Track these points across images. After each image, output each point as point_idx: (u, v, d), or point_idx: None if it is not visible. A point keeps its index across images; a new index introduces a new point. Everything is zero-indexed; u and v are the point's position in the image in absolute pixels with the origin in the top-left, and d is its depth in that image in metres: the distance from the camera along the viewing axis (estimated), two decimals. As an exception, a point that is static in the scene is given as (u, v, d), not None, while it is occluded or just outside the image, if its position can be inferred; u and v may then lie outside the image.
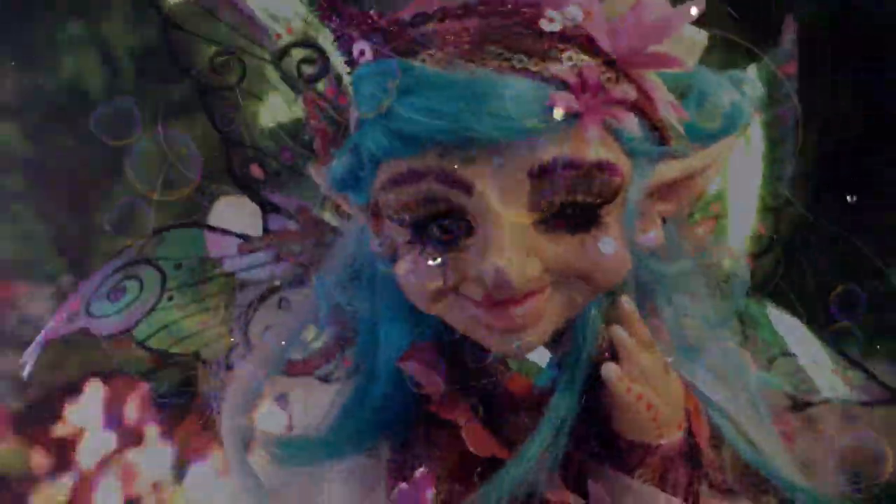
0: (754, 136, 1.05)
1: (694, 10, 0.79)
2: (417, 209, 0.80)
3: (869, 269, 1.05)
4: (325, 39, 0.98)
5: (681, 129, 0.85)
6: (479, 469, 0.88)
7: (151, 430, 1.36)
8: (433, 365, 0.87)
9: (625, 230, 0.81)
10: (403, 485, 0.87)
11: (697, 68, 0.91)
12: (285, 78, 0.97)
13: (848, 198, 1.02)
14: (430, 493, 0.88)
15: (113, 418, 1.36)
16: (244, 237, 1.01)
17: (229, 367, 0.97)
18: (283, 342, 0.94)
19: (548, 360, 0.87)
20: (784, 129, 1.06)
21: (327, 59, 0.97)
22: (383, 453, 0.88)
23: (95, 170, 1.35)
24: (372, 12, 0.83)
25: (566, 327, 0.86)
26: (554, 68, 0.78)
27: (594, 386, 0.86)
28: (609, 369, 0.81)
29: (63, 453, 1.36)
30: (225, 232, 1.01)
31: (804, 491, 0.86)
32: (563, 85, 0.77)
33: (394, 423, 0.91)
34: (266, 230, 1.01)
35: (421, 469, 0.86)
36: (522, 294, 0.79)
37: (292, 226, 0.99)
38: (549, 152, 0.77)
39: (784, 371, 1.05)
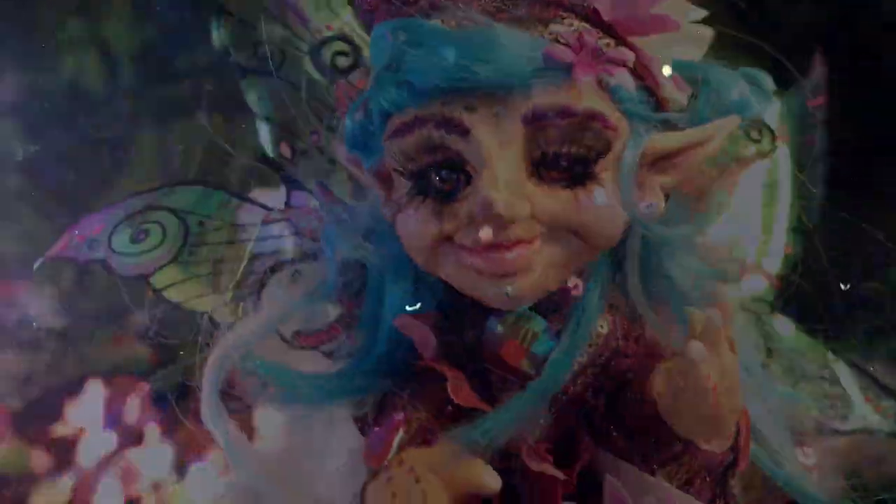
0: (782, 160, 1.07)
1: None
2: (419, 157, 0.83)
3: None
4: (359, 38, 1.03)
5: (682, 102, 0.87)
6: (456, 424, 0.89)
7: (151, 430, 1.36)
8: (430, 328, 0.89)
9: (620, 190, 0.83)
10: (377, 428, 0.88)
11: (708, 63, 0.93)
12: (320, 68, 1.01)
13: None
14: (397, 436, 0.88)
15: (113, 418, 1.36)
16: (268, 208, 1.04)
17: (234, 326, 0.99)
18: (288, 308, 0.97)
19: (545, 329, 0.88)
20: (811, 156, 1.08)
21: (360, 53, 1.02)
22: (369, 400, 0.90)
23: (95, 169, 1.35)
24: None
25: (566, 300, 0.87)
26: (556, 29, 0.80)
27: (621, 381, 0.86)
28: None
29: (63, 453, 1.36)
30: (249, 200, 1.04)
31: (812, 499, 0.86)
32: (562, 43, 0.80)
33: (392, 374, 0.93)
34: (288, 204, 1.04)
35: (397, 413, 0.87)
36: (514, 239, 0.81)
37: (313, 202, 1.02)
38: (542, 99, 0.79)
39: (811, 394, 1.04)
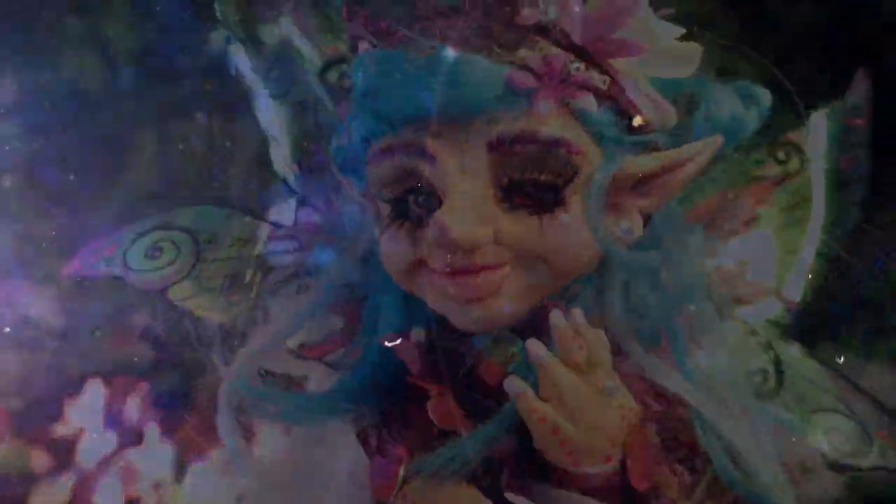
0: (816, 181, 1.04)
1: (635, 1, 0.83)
2: (394, 184, 0.85)
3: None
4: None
5: (664, 124, 0.87)
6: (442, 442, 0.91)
7: (151, 430, 1.36)
8: (417, 347, 0.90)
9: (588, 215, 0.83)
10: (379, 458, 0.89)
11: (700, 80, 0.93)
12: (328, 88, 1.03)
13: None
14: (401, 468, 0.89)
15: (113, 418, 1.36)
16: (276, 225, 1.07)
17: (245, 342, 1.02)
18: (294, 321, 0.99)
19: (518, 350, 0.89)
20: (846, 177, 1.05)
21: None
22: (374, 441, 0.91)
23: (96, 169, 1.35)
24: (378, 18, 0.89)
25: (542, 321, 0.88)
26: (523, 54, 0.81)
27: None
28: (510, 384, 0.81)
29: (63, 453, 1.36)
30: (259, 218, 1.07)
31: None
32: (527, 69, 0.81)
33: (384, 389, 0.94)
34: (296, 222, 1.07)
35: (398, 446, 0.88)
36: (480, 265, 0.82)
37: (318, 219, 1.04)
38: (506, 126, 0.80)
39: (824, 427, 1.01)
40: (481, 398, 0.87)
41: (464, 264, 0.81)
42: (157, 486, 1.35)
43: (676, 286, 0.88)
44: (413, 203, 0.84)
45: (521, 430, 0.86)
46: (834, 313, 1.03)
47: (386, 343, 0.90)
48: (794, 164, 0.98)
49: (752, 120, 0.93)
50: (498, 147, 0.79)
